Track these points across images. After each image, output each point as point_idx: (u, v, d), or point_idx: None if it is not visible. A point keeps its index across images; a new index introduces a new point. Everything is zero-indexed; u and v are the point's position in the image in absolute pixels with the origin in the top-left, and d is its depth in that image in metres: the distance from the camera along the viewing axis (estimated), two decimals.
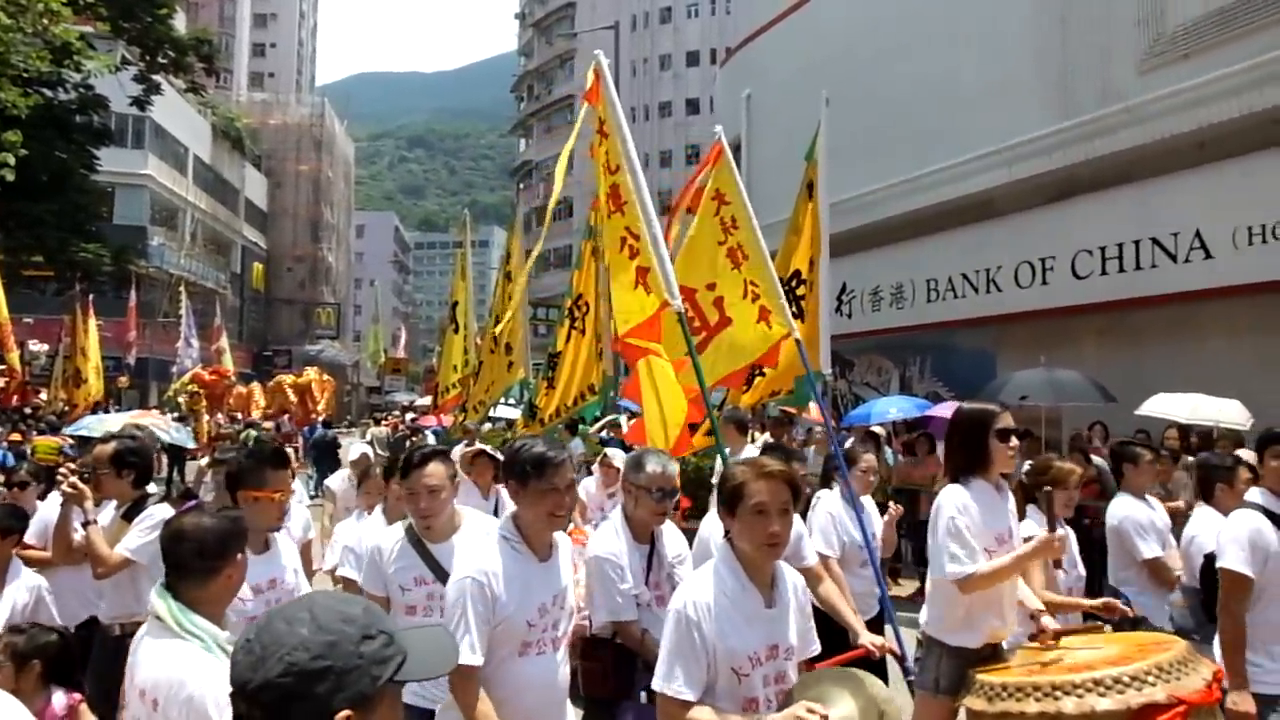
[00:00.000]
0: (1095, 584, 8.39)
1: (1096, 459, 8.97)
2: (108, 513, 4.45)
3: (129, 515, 4.36)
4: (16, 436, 10.92)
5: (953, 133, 14.34)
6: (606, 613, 3.71)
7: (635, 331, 5.19)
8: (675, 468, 3.88)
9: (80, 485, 4.20)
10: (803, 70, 17.45)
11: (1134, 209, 11.61)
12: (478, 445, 7.23)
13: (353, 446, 8.32)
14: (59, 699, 3.36)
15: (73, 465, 4.60)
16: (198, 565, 2.58)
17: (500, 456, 6.32)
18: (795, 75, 17.86)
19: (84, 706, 3.38)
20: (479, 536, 3.37)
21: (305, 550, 6.53)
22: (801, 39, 18.80)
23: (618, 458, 7.23)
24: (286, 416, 23.35)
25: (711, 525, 4.12)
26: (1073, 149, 12.63)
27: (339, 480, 7.97)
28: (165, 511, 4.57)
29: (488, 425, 18.22)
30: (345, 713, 1.28)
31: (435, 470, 3.50)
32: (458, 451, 8.32)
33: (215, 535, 2.65)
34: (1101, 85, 12.35)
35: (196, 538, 2.62)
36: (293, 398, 24.07)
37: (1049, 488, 3.87)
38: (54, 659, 3.38)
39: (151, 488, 4.79)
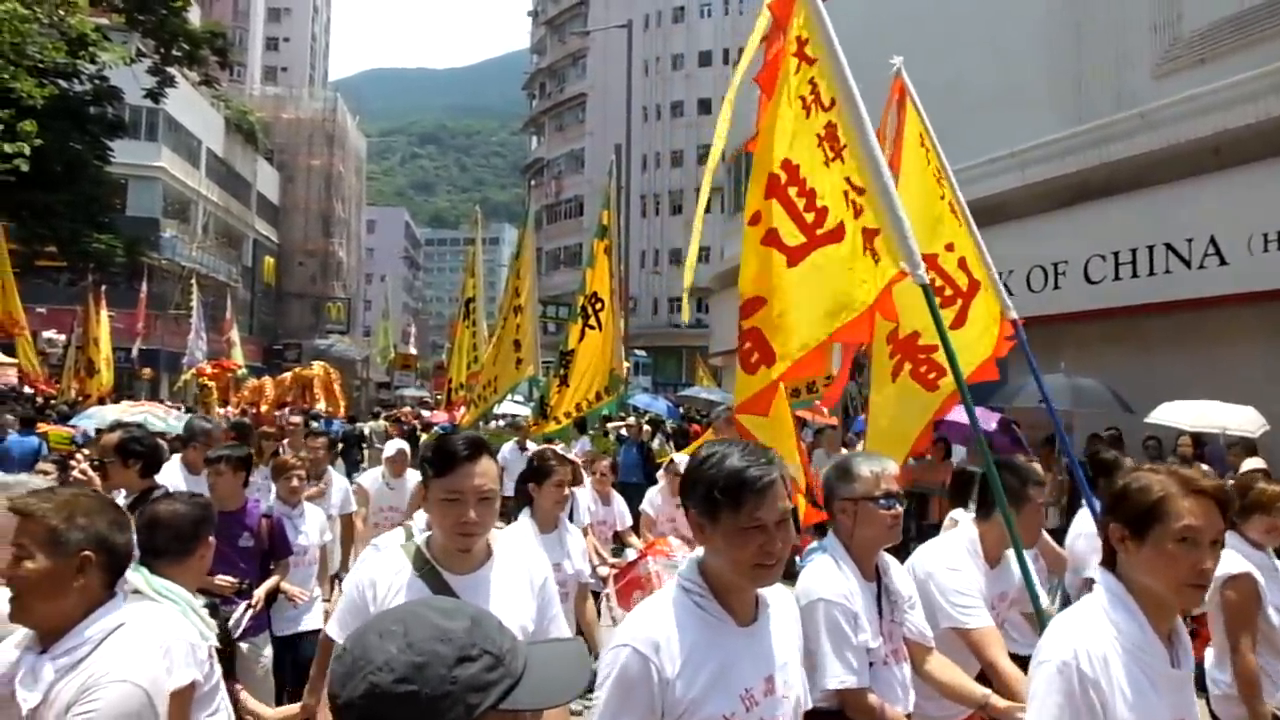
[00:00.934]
0: None
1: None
2: (118, 503, 4.46)
3: (136, 506, 4.29)
4: (44, 427, 10.98)
5: (963, 137, 14.24)
6: (836, 677, 2.72)
7: (873, 309, 4.02)
8: (895, 467, 3.09)
9: (90, 472, 4.23)
10: None
11: (1148, 214, 11.56)
12: (585, 449, 7.32)
13: (388, 444, 7.87)
14: None
15: (85, 453, 4.58)
16: (174, 548, 2.84)
17: (573, 458, 6.15)
18: None
19: (244, 694, 3.37)
20: (535, 570, 2.71)
21: (347, 524, 6.96)
22: None
23: (684, 464, 7.09)
24: (288, 409, 23.34)
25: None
26: (1086, 154, 12.59)
27: (372, 479, 7.54)
28: None
29: (493, 424, 18.32)
30: None
31: (487, 469, 2.50)
32: (507, 449, 8.20)
33: (189, 520, 2.91)
34: (1116, 90, 12.31)
35: (173, 524, 2.87)
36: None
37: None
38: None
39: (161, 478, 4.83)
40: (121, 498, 4.47)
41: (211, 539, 3.00)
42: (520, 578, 2.64)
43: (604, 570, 6.10)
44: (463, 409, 13.69)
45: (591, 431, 13.70)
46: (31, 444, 10.07)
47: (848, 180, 3.92)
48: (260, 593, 4.57)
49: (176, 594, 2.65)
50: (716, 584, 2.08)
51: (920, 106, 5.44)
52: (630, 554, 6.37)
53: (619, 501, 7.55)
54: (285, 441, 8.83)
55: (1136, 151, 11.79)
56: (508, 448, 11.13)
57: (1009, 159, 13.55)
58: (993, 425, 10.19)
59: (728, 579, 2.07)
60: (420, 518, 4.33)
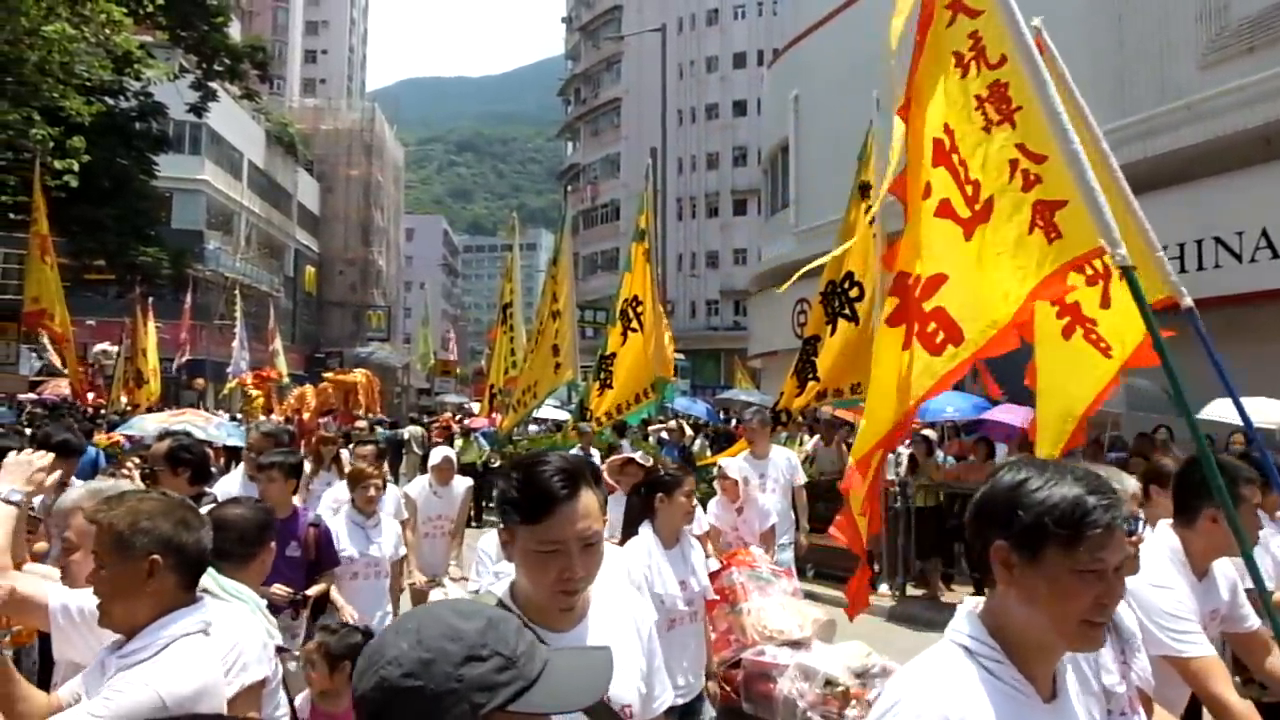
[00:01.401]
0: None
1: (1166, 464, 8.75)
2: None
3: None
4: (101, 439, 11.20)
5: None
6: None
7: (1039, 289, 3.55)
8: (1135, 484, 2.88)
9: (138, 484, 4.29)
10: (852, 70, 17.29)
11: (1195, 208, 11.31)
12: (625, 453, 7.09)
13: (434, 450, 7.76)
14: None
15: (136, 460, 4.71)
16: (238, 551, 3.00)
17: (650, 464, 6.04)
18: (844, 75, 17.71)
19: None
20: (641, 618, 2.20)
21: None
22: (850, 39, 18.63)
23: (732, 468, 6.87)
24: (331, 417, 23.60)
25: None
26: (1129, 148, 12.34)
27: (418, 487, 7.23)
28: None
29: (533, 427, 18.39)
30: None
31: (590, 506, 1.90)
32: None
33: (254, 525, 3.11)
34: (1160, 82, 12.07)
35: (238, 527, 3.05)
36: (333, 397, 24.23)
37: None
38: None
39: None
40: None
41: (272, 545, 3.17)
42: (626, 630, 2.14)
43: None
44: (499, 414, 13.77)
45: (630, 435, 13.69)
46: (89, 455, 10.27)
47: (1020, 148, 3.45)
48: (310, 593, 4.61)
49: (245, 594, 2.72)
50: (1017, 644, 1.60)
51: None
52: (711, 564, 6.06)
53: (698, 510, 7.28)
54: (351, 446, 8.61)
55: (1182, 144, 11.56)
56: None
57: None
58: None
59: (1037, 638, 1.59)
60: (489, 545, 4.25)
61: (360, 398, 22.24)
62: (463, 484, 7.34)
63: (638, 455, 6.62)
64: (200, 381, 28.17)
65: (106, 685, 2.04)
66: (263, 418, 18.28)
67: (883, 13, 17.19)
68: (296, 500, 5.35)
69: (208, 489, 4.76)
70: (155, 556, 2.13)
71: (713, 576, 5.15)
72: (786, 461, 7.85)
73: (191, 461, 4.60)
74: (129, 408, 18.79)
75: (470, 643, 1.18)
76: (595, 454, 9.01)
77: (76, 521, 2.64)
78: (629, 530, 4.26)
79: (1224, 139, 11.07)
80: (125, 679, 2.04)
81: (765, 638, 5.21)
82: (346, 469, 6.86)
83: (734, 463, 7.20)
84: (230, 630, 2.37)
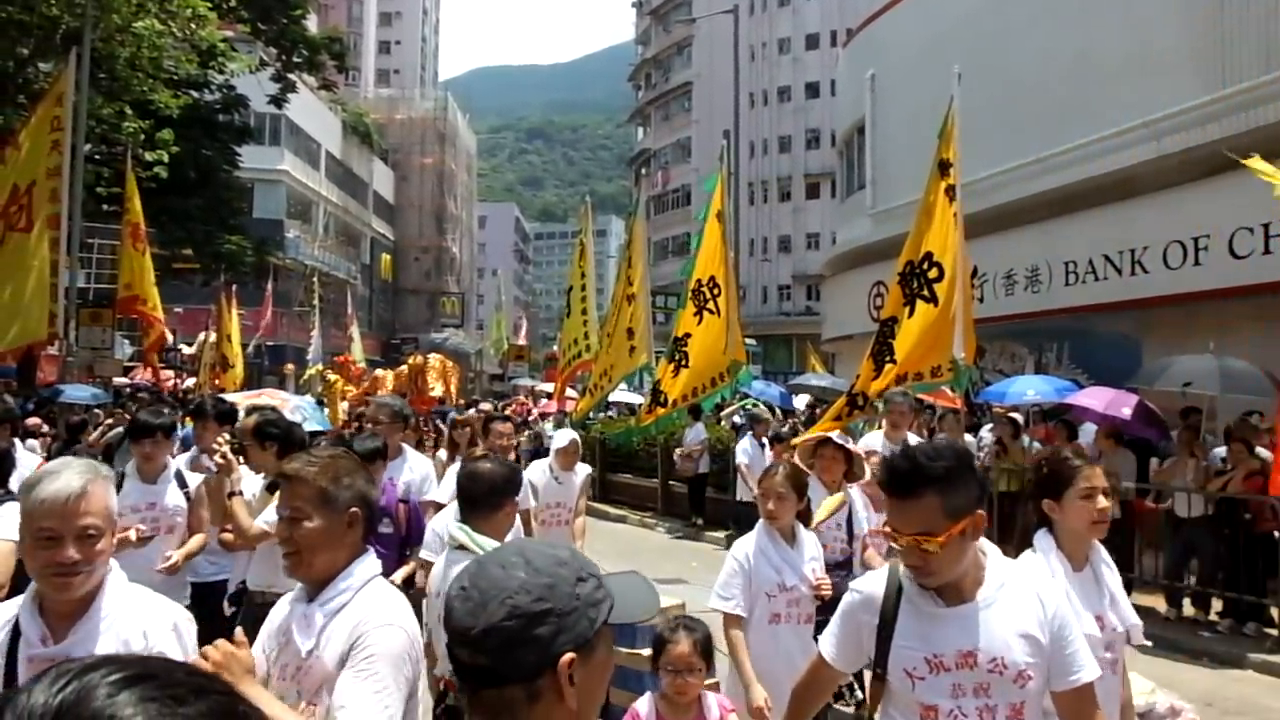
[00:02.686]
0: (1254, 585, 7.86)
1: (1261, 449, 8.35)
2: (256, 483, 4.57)
3: (272, 488, 4.37)
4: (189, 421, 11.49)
5: (1091, 107, 13.60)
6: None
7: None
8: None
9: (229, 456, 4.28)
10: (928, 48, 16.86)
11: None
12: (821, 432, 6.58)
13: (558, 433, 7.12)
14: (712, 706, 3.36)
15: (226, 436, 4.64)
16: (488, 502, 3.34)
17: (851, 446, 5.41)
18: (920, 53, 17.28)
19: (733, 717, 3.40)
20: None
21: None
22: (926, 15, 18.16)
23: (879, 445, 6.60)
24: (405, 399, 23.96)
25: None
26: (1231, 119, 11.77)
27: (539, 471, 6.57)
28: None
29: (605, 413, 18.42)
30: (569, 655, 1.25)
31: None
32: (746, 445, 8.24)
33: (502, 477, 3.43)
34: (1265, 48, 11.45)
35: (490, 478, 3.38)
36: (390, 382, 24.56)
37: None
38: None
39: None
40: (260, 479, 4.56)
41: (517, 499, 3.47)
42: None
43: None
44: (570, 397, 13.77)
45: (705, 418, 13.61)
46: (187, 437, 10.58)
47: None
48: (397, 578, 4.47)
49: (492, 547, 2.97)
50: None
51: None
52: None
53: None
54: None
55: None
56: (746, 444, 11.02)
57: (1142, 129, 12.80)
58: (1127, 412, 9.65)
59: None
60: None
61: (432, 379, 22.53)
62: (584, 470, 6.74)
63: (835, 435, 5.48)
64: (290, 367, 28.96)
65: (354, 648, 2.16)
66: (343, 402, 18.67)
67: None
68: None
69: None
70: (356, 509, 2.32)
71: None
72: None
73: (278, 436, 4.62)
74: (217, 392, 19.38)
75: (574, 566, 1.31)
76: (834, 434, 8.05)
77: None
78: (1023, 543, 3.03)
79: None
80: (360, 632, 2.17)
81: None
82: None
83: (878, 442, 6.71)
84: None
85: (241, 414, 6.00)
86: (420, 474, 5.79)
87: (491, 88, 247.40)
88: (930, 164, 9.84)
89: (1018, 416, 10.73)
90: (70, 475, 2.16)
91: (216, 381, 19.34)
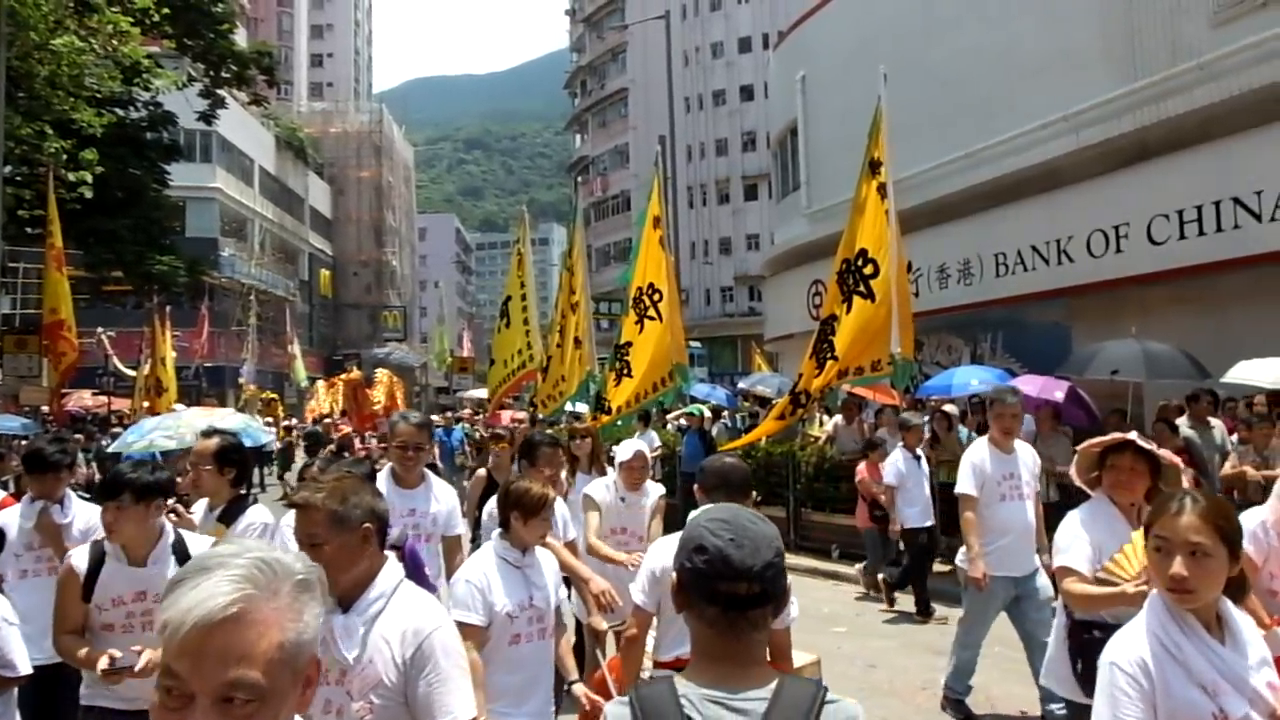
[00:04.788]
0: None
1: (1184, 429, 8.66)
2: (200, 512, 4.26)
3: (225, 517, 4.15)
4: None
5: (1015, 102, 13.99)
6: None
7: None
8: None
9: (181, 511, 3.96)
10: (857, 49, 17.17)
11: (1213, 169, 11.15)
12: (646, 442, 6.44)
13: (623, 444, 5.74)
14: None
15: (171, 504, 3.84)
16: (744, 488, 3.68)
17: (1160, 451, 4.62)
18: (848, 54, 17.60)
19: None
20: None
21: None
22: (853, 17, 18.50)
23: (980, 454, 5.74)
24: (344, 416, 23.69)
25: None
26: (1144, 111, 12.20)
27: (602, 489, 5.54)
28: (266, 516, 4.29)
29: (556, 425, 18.34)
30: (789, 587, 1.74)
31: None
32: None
33: (747, 473, 3.87)
34: (1171, 43, 11.90)
35: (743, 471, 3.77)
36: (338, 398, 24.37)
37: None
38: None
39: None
40: (205, 508, 4.25)
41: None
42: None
43: None
44: (525, 406, 13.72)
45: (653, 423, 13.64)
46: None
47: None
48: None
49: None
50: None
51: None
52: None
53: None
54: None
55: (1197, 105, 11.39)
56: (897, 457, 8.89)
57: (1062, 123, 13.20)
58: (1059, 395, 9.93)
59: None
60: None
61: (377, 394, 22.40)
62: (655, 490, 5.64)
63: (1135, 437, 3.60)
64: (252, 388, 28.49)
65: (419, 653, 2.34)
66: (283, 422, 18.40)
67: None
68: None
69: (250, 491, 4.39)
70: (369, 525, 2.45)
71: None
72: (1033, 458, 5.83)
73: (238, 462, 4.30)
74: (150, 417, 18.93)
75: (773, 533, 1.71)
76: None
77: None
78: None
79: (1240, 98, 10.89)
80: (417, 636, 2.35)
81: None
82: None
83: (983, 451, 5.69)
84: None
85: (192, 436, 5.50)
86: (449, 506, 4.77)
87: (428, 98, 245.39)
88: (861, 163, 10.04)
89: (952, 409, 10.94)
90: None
91: (147, 405, 18.89)
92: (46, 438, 4.82)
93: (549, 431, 7.43)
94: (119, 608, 3.37)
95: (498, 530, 3.69)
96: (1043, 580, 5.49)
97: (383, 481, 4.63)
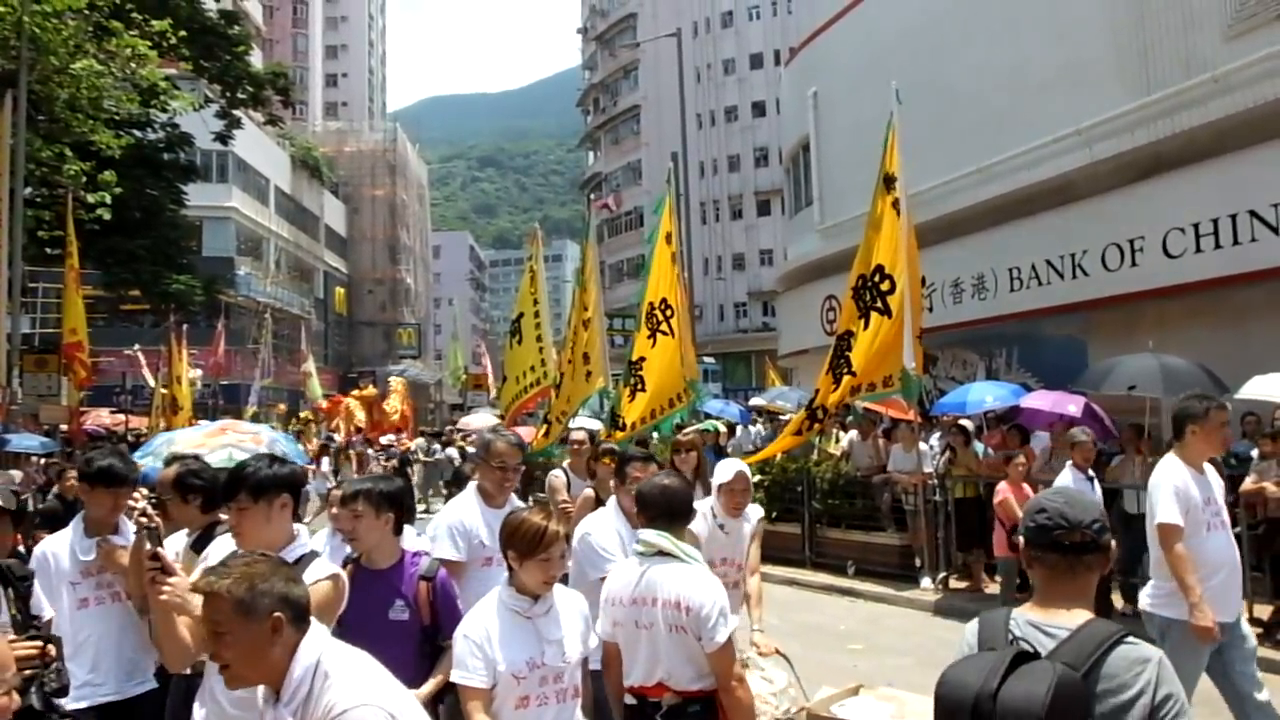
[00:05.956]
0: None
1: None
2: (179, 541, 3.96)
3: (199, 545, 3.84)
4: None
5: (1027, 117, 13.98)
6: None
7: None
8: None
9: (151, 514, 3.45)
10: (868, 64, 17.21)
11: (1228, 182, 11.10)
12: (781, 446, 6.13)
13: (723, 464, 4.98)
14: None
15: (143, 491, 3.60)
16: (685, 513, 3.51)
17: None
18: (861, 70, 17.63)
19: None
20: None
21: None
22: (865, 33, 18.54)
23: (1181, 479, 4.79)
24: (359, 435, 23.77)
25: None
26: (1157, 124, 12.17)
27: (699, 519, 4.48)
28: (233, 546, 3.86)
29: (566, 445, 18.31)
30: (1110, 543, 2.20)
31: None
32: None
33: (689, 495, 3.66)
34: (1185, 57, 11.87)
35: (684, 494, 3.55)
36: (359, 414, 24.49)
37: None
38: None
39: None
40: (184, 537, 3.97)
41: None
42: None
43: None
44: (537, 424, 13.71)
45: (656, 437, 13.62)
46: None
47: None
48: (422, 694, 3.27)
49: (696, 556, 3.38)
50: None
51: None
52: None
53: None
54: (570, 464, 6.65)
55: (1211, 118, 11.35)
56: (1067, 475, 7.70)
57: (1075, 137, 13.17)
58: (1074, 409, 9.87)
59: None
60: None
61: (395, 403, 22.61)
62: (755, 513, 4.97)
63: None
64: (282, 407, 28.73)
65: None
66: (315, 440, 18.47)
67: (897, 4, 17.31)
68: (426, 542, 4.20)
69: (222, 517, 3.89)
70: (278, 614, 2.22)
71: None
72: (1218, 479, 4.99)
73: (202, 488, 4.01)
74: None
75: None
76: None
77: None
78: None
79: (1254, 111, 10.85)
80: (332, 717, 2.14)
81: None
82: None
83: (1182, 472, 4.68)
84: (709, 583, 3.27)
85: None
86: None
87: (442, 117, 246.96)
88: (875, 178, 10.05)
89: (968, 424, 10.89)
90: None
91: (163, 424, 19.03)
92: (106, 451, 4.48)
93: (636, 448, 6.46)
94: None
95: (504, 578, 3.14)
96: (1247, 626, 4.74)
97: (471, 499, 4.42)
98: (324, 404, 25.28)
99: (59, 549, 3.90)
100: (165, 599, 2.75)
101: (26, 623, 3.39)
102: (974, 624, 2.26)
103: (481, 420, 21.58)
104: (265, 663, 2.22)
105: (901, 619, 9.20)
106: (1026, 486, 8.50)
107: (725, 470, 4.79)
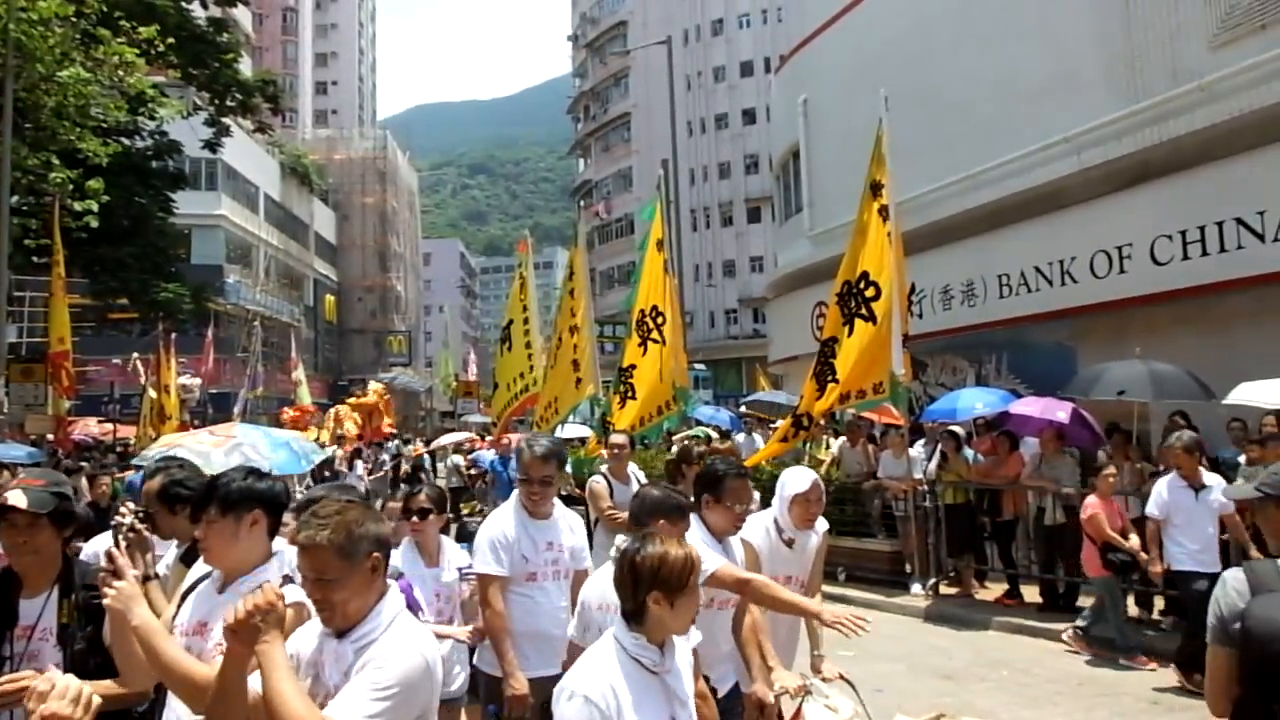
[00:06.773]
0: None
1: None
2: (171, 554, 3.82)
3: (188, 557, 3.62)
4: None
5: (1015, 125, 14.04)
6: None
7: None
8: None
9: (138, 527, 3.45)
10: (858, 72, 17.26)
11: (1215, 190, 11.16)
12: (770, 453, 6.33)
13: (791, 472, 4.49)
14: None
15: (131, 505, 3.50)
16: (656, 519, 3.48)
17: None
18: (851, 77, 17.68)
19: None
20: None
21: None
22: (855, 40, 18.60)
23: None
24: (361, 440, 23.80)
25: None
26: (1145, 132, 12.23)
27: (760, 532, 4.31)
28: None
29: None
30: None
31: None
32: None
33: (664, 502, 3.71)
34: (1172, 65, 11.94)
35: (655, 501, 3.60)
36: (348, 423, 24.54)
37: None
38: None
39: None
40: (174, 549, 3.82)
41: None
42: None
43: None
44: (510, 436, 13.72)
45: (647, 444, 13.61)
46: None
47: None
48: None
49: None
50: None
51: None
52: None
53: None
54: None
55: (1198, 126, 11.42)
56: (1162, 487, 7.44)
57: (1063, 144, 13.23)
58: (1064, 416, 9.88)
59: None
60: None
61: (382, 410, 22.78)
62: (821, 527, 4.56)
63: None
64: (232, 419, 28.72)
65: (368, 664, 2.28)
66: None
67: (886, 12, 17.41)
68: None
69: None
70: (376, 554, 2.41)
71: None
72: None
73: (190, 498, 3.63)
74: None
75: None
76: (634, 469, 6.95)
77: None
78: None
79: (1241, 118, 10.91)
80: (383, 655, 2.28)
81: None
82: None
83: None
84: None
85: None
86: (582, 539, 4.37)
87: (432, 124, 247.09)
88: (863, 186, 10.08)
89: (958, 429, 10.90)
90: None
91: (151, 433, 18.93)
92: (178, 469, 4.07)
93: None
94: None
95: (620, 622, 2.56)
96: None
97: (511, 513, 4.21)
98: (292, 414, 25.16)
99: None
100: (108, 602, 2.56)
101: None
102: (1238, 573, 2.53)
103: (450, 436, 22.17)
104: (362, 602, 2.38)
105: (892, 625, 9.19)
106: (1117, 500, 7.97)
107: (800, 479, 4.30)
